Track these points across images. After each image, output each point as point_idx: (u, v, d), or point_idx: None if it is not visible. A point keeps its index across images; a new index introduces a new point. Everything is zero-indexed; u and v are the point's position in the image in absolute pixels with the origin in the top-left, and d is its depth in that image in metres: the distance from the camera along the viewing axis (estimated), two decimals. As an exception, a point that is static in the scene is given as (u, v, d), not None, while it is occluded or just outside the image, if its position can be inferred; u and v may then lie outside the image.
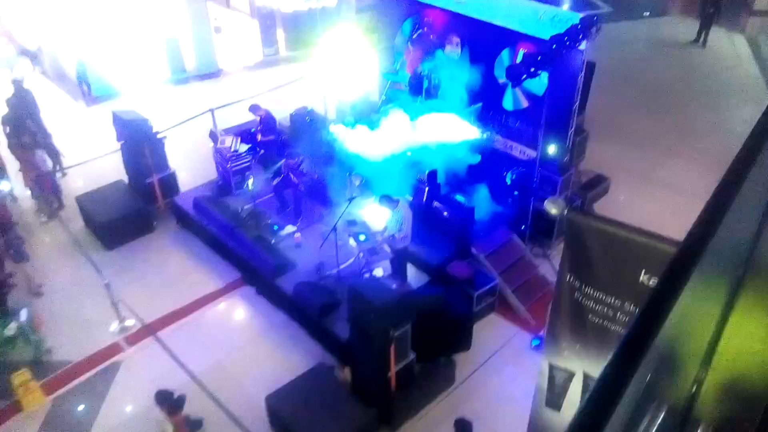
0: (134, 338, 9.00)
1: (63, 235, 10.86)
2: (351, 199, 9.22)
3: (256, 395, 7.76)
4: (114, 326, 9.09)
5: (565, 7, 9.25)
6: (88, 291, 9.61)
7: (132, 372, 8.49)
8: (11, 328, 8.42)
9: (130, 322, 9.17)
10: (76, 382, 8.36)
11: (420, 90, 11.13)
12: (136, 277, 9.98)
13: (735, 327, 2.34)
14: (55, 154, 12.03)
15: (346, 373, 8.02)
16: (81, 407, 8.08)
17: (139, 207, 10.87)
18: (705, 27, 17.20)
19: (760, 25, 17.90)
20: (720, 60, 16.83)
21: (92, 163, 11.73)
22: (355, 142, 10.23)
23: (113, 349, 8.82)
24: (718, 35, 17.56)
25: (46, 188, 11.12)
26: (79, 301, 9.54)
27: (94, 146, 12.49)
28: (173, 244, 10.77)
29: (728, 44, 17.56)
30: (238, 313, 9.59)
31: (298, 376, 7.84)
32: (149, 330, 9.08)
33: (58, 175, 12.00)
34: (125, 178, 11.43)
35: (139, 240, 10.76)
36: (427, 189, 9.80)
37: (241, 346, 8.86)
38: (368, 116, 11.12)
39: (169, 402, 6.88)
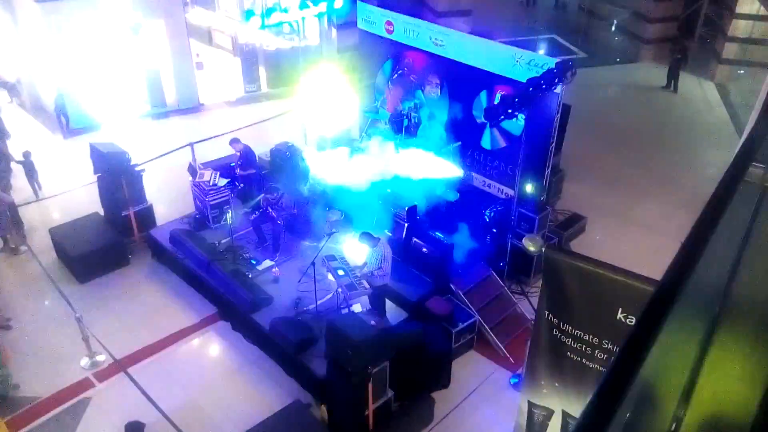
0: (105, 374, 8.77)
1: (34, 267, 10.64)
2: (330, 234, 9.22)
3: (230, 434, 7.59)
4: (84, 361, 8.87)
5: (542, 51, 9.54)
6: (58, 325, 9.40)
7: (102, 409, 8.25)
8: (-24, 363, 8.18)
9: (101, 358, 8.95)
10: (43, 418, 8.09)
11: (400, 128, 11.31)
12: (109, 311, 9.78)
13: (712, 365, 2.38)
14: (33, 176, 11.88)
15: (322, 411, 7.89)
16: (48, 446, 7.82)
17: (113, 240, 10.71)
18: (673, 73, 17.81)
19: (728, 72, 18.60)
20: (691, 105, 17.40)
21: (68, 195, 11.60)
22: (335, 174, 10.28)
23: (83, 385, 8.58)
24: (688, 81, 18.20)
25: (5, 227, 10.79)
26: (48, 336, 9.31)
27: (70, 178, 12.37)
28: (148, 277, 10.60)
29: (698, 90, 18.18)
30: (212, 348, 9.42)
31: (273, 413, 7.70)
32: (120, 365, 8.86)
33: (33, 203, 11.82)
34: (101, 211, 11.28)
35: (113, 273, 10.57)
36: (406, 225, 9.84)
37: (215, 382, 8.69)
38: (349, 144, 11.24)
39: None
